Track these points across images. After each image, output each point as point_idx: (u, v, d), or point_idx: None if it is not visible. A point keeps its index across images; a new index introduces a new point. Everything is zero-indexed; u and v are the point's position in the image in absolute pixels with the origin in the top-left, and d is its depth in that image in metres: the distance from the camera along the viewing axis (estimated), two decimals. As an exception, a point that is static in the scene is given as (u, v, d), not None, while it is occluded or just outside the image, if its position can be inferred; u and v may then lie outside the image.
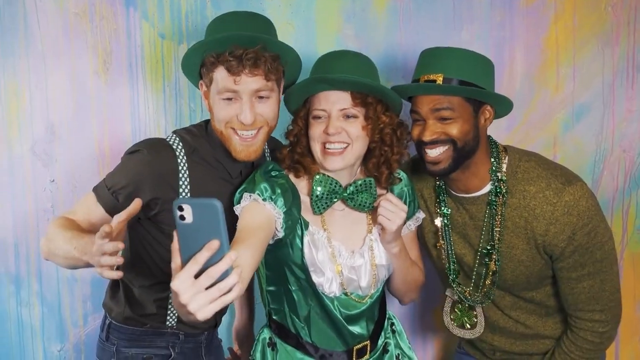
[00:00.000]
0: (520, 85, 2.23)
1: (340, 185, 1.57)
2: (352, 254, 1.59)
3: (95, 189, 1.56)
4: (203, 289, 0.97)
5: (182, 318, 1.09)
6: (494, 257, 1.65)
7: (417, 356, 1.81)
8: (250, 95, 1.51)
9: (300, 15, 2.13)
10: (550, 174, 1.58)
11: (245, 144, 1.54)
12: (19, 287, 2.16)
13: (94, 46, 2.07)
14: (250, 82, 1.49)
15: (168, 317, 1.69)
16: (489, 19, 2.19)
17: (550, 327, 1.75)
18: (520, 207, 1.59)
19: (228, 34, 1.48)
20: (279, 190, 1.50)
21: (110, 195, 1.52)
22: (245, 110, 1.50)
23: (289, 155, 1.60)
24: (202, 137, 1.63)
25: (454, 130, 1.53)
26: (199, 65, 1.58)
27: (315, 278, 1.55)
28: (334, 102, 1.52)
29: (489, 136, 1.68)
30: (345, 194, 1.58)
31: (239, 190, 1.55)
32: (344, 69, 1.51)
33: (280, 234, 1.50)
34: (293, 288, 1.60)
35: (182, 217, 0.97)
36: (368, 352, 1.65)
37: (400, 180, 1.68)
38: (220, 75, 1.50)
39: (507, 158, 1.64)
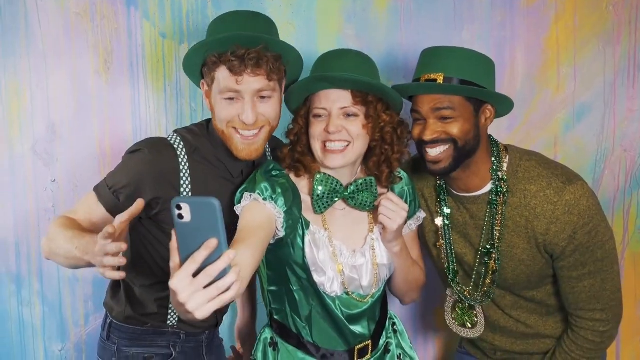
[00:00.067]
0: (521, 85, 2.23)
1: (341, 185, 1.57)
2: (353, 253, 1.59)
3: (96, 189, 1.55)
4: (201, 287, 0.97)
5: (181, 317, 1.09)
6: (494, 256, 1.64)
7: (419, 356, 1.81)
8: (252, 95, 1.51)
9: (301, 15, 2.13)
10: (551, 173, 1.57)
11: (247, 143, 1.54)
12: (20, 287, 2.16)
13: (95, 45, 2.07)
14: (252, 82, 1.49)
15: (169, 317, 1.69)
16: (489, 19, 2.19)
17: (551, 326, 1.75)
18: (521, 206, 1.59)
19: (230, 34, 1.48)
20: (279, 190, 1.49)
21: (112, 194, 1.52)
22: (247, 110, 1.50)
23: (290, 154, 1.60)
24: (204, 136, 1.63)
25: (455, 129, 1.53)
26: (200, 65, 1.58)
27: (316, 277, 1.55)
28: (335, 101, 1.52)
29: (490, 135, 1.67)
30: (346, 193, 1.58)
31: (239, 190, 1.55)
32: (345, 68, 1.50)
33: (281, 234, 1.50)
34: (294, 288, 1.60)
35: (181, 216, 0.96)
36: (369, 351, 1.65)
37: (401, 179, 1.68)
38: (222, 75, 1.50)
39: (507, 157, 1.64)
